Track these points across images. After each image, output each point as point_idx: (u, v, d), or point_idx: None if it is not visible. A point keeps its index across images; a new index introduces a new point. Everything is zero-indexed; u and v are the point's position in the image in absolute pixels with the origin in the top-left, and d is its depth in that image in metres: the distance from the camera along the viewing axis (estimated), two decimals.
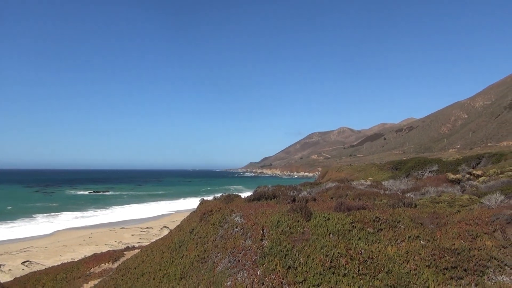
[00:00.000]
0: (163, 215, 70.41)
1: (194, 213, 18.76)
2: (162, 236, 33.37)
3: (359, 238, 12.06)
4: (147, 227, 54.17)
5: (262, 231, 13.50)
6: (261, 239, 13.10)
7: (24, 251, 40.46)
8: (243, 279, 11.50)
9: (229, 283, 11.64)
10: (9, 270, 33.06)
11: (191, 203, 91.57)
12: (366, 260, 11.11)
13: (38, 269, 29.34)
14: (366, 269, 10.81)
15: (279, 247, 12.16)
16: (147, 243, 31.63)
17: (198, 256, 14.63)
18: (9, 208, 78.42)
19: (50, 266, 28.88)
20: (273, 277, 11.18)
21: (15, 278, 24.83)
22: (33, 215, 69.21)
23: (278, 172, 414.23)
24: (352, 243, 11.85)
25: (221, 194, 20.96)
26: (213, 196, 22.52)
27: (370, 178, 43.31)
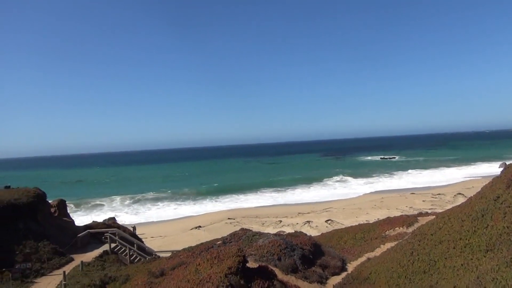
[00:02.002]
0: (455, 181, 65.22)
1: (498, 178, 16.29)
2: (456, 203, 31.00)
3: None
4: (439, 194, 51.59)
5: None
6: None
7: (326, 211, 46.41)
8: None
9: None
10: (316, 226, 38.73)
11: (488, 168, 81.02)
12: None
13: (339, 227, 33.03)
14: None
15: None
16: (440, 210, 30.11)
17: (507, 227, 12.65)
18: (310, 174, 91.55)
19: (349, 225, 31.91)
20: None
21: (322, 234, 28.74)
22: (325, 180, 79.08)
23: None
24: None
25: None
26: None
27: None
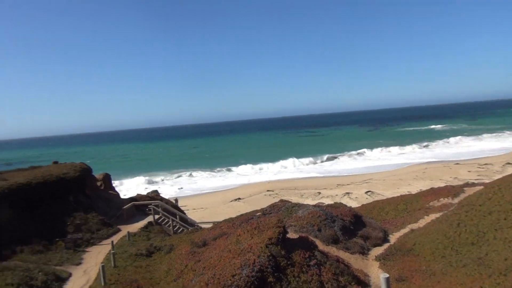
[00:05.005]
0: (505, 151, 62.00)
1: None
2: (505, 173, 29.50)
3: None
4: (486, 164, 49.32)
5: None
6: None
7: (366, 182, 45.66)
8: None
9: None
10: (356, 197, 38.27)
11: None
12: None
13: (379, 199, 32.40)
14: None
15: None
16: (488, 181, 28.79)
17: None
18: (348, 145, 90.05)
19: (390, 197, 31.17)
20: None
21: (362, 205, 28.29)
22: (364, 151, 78.13)
23: None
24: None
25: None
26: None
27: None
